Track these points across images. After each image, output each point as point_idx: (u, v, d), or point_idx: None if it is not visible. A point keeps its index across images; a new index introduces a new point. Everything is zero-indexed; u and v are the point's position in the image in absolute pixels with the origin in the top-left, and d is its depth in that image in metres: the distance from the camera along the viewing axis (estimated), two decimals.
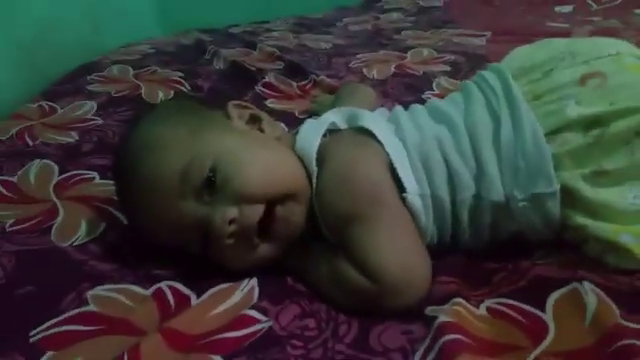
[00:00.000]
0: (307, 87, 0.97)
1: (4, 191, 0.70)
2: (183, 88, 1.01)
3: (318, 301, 0.49)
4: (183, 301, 0.50)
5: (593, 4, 1.31)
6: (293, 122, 0.86)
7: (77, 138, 0.84)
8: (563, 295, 0.44)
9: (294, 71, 1.04)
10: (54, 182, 0.72)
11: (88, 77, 1.08)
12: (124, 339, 0.45)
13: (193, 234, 0.49)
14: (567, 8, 1.30)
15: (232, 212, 0.48)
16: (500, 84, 0.53)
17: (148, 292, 0.51)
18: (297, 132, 0.57)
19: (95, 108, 0.93)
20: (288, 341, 0.44)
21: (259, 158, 0.50)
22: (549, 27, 1.16)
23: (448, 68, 0.99)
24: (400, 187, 0.50)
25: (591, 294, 0.43)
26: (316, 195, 0.51)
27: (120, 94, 0.99)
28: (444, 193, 0.50)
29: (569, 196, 0.48)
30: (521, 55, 0.57)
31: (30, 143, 0.83)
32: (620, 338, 0.38)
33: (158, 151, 0.50)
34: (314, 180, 0.51)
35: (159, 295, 0.50)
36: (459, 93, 0.57)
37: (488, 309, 0.45)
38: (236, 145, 0.51)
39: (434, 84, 0.92)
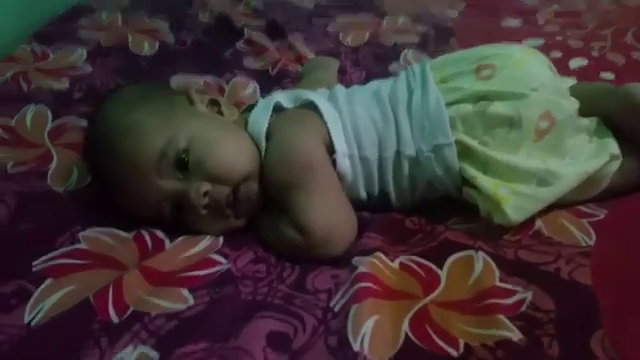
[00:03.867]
0: (282, 49, 1.04)
1: (3, 134, 0.78)
2: (168, 41, 1.08)
3: (270, 250, 0.60)
4: (159, 244, 0.60)
5: None
6: (267, 80, 0.95)
7: (68, 85, 0.91)
8: (459, 258, 0.55)
9: (274, 31, 1.11)
10: (48, 128, 0.80)
11: (78, 21, 1.13)
12: (109, 272, 0.55)
13: (168, 205, 0.59)
14: None
15: (205, 186, 0.58)
16: (420, 70, 0.66)
17: (130, 235, 0.61)
18: (246, 109, 0.68)
19: (85, 56, 1.00)
20: (241, 281, 0.55)
21: (225, 144, 0.60)
22: (519, 4, 1.22)
23: (417, 40, 1.07)
24: (334, 149, 0.61)
25: (480, 261, 0.54)
26: (263, 168, 0.61)
27: (108, 44, 1.06)
28: (371, 153, 0.63)
29: (465, 151, 0.60)
30: (449, 54, 0.71)
31: (25, 88, 0.90)
32: (490, 297, 0.49)
33: (137, 134, 0.58)
34: (263, 155, 0.61)
35: (139, 238, 0.60)
36: (392, 77, 0.70)
37: (400, 264, 0.56)
38: (204, 129, 0.60)
39: (401, 56, 1.00)
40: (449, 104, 0.62)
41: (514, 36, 1.03)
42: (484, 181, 0.58)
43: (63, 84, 0.91)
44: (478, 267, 0.53)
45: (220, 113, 0.66)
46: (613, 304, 0.47)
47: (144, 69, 0.99)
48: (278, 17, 1.17)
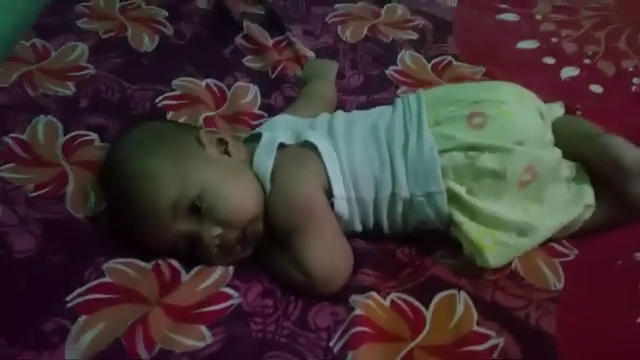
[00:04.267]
0: (281, 46, 1.06)
1: (20, 152, 0.81)
2: (167, 33, 1.09)
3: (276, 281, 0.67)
4: (176, 275, 0.67)
5: None
6: (267, 84, 0.98)
7: (74, 90, 0.94)
8: (444, 298, 0.63)
9: (272, 22, 1.12)
10: (60, 143, 0.84)
11: (75, 7, 1.13)
12: (133, 307, 0.62)
13: (182, 243, 0.66)
14: None
15: (217, 230, 0.65)
16: (416, 109, 0.71)
17: (149, 265, 0.67)
18: (249, 138, 0.74)
19: (87, 53, 1.02)
20: (252, 318, 0.62)
21: (234, 192, 0.66)
22: None
23: (415, 36, 1.09)
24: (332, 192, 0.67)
25: (462, 303, 0.62)
26: (267, 208, 0.67)
27: (108, 35, 1.07)
28: (367, 194, 0.68)
29: (454, 197, 0.66)
30: (444, 90, 0.75)
31: (30, 93, 0.92)
32: (467, 343, 0.57)
33: (152, 183, 0.64)
34: (267, 194, 0.68)
35: (157, 269, 0.67)
36: (390, 107, 0.75)
37: (392, 302, 0.63)
38: (215, 176, 0.66)
39: (398, 58, 1.03)
40: (442, 151, 0.67)
41: (510, 38, 1.04)
42: (470, 228, 0.65)
43: (69, 89, 0.94)
44: (459, 309, 0.61)
45: (227, 152, 0.70)
46: (574, 354, 0.55)
47: (146, 69, 1.01)
48: (276, 3, 1.17)
